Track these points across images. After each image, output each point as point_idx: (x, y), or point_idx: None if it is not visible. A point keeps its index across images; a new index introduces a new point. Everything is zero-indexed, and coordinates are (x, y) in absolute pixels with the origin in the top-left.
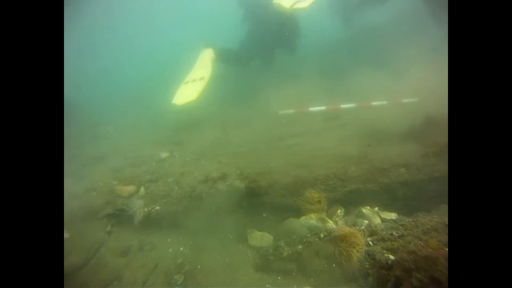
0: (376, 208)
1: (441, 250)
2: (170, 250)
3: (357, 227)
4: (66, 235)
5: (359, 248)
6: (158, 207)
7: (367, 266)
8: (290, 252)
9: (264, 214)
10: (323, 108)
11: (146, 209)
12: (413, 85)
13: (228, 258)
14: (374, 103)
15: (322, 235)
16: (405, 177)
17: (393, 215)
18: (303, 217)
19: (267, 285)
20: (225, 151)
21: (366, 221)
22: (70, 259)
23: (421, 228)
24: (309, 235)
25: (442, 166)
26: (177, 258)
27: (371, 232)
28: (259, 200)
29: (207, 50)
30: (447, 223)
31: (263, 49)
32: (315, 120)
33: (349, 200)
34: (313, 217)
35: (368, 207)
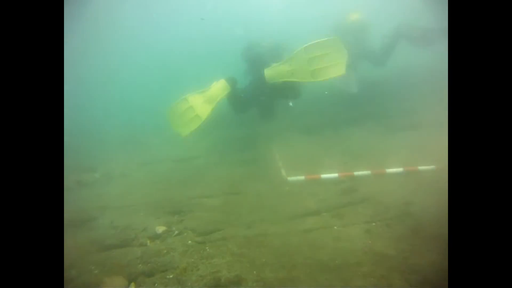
0: None
1: None
2: None
3: None
4: None
5: None
6: None
7: None
8: None
9: None
10: (335, 175)
11: None
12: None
13: None
14: (389, 170)
15: None
16: None
17: None
18: None
19: None
20: (234, 233)
21: None
22: None
23: None
24: None
25: None
26: None
27: None
28: None
29: (221, 82)
30: None
31: (262, 100)
32: (330, 191)
33: None
34: None
35: None
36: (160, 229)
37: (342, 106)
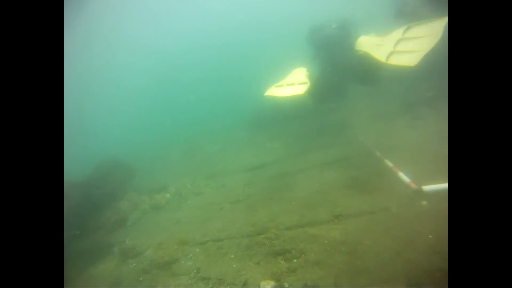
0: None
1: None
2: None
3: None
4: None
5: None
6: None
7: None
8: None
9: None
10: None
11: None
12: None
13: None
14: None
15: None
16: None
17: None
18: None
19: None
20: None
21: None
22: None
23: None
24: None
25: None
26: None
27: None
28: None
29: (301, 69)
30: None
31: (336, 86)
32: None
33: None
34: None
35: None
36: (268, 285)
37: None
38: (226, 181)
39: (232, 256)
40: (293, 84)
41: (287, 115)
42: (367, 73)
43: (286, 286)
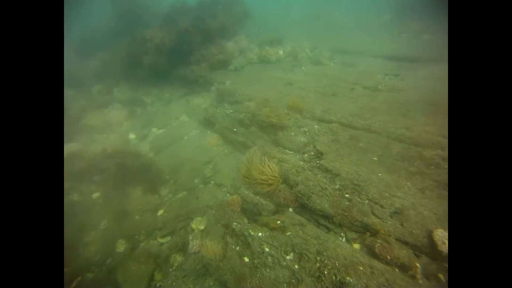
0: None
1: None
2: None
3: None
4: None
5: None
6: None
7: None
8: None
9: None
10: None
11: None
12: None
13: None
14: None
15: None
16: None
17: None
18: None
19: None
20: None
21: None
22: None
23: None
24: None
25: None
26: None
27: None
28: None
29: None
30: None
31: None
32: None
33: None
34: None
35: None
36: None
37: None
38: (358, 62)
39: (375, 158)
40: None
41: None
42: None
43: None
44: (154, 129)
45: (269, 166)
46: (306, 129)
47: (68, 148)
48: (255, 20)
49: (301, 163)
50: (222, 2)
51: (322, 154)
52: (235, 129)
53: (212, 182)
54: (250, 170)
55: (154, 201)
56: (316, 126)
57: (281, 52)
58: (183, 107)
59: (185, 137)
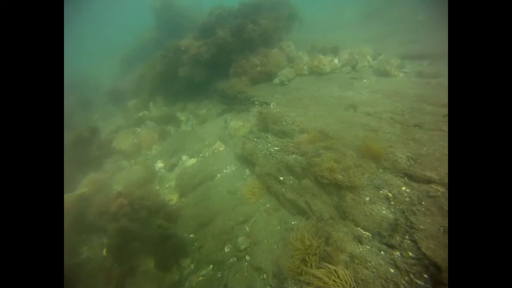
0: None
1: None
2: None
3: None
4: None
5: None
6: None
7: None
8: None
9: None
10: None
11: None
12: None
13: None
14: None
15: None
16: None
17: None
18: None
19: None
20: None
21: None
22: None
23: None
24: None
25: None
26: None
27: None
28: None
29: None
30: None
31: None
32: None
33: None
34: None
35: None
36: None
37: None
38: (443, 71)
39: None
40: None
41: None
42: None
43: None
44: (184, 157)
45: (334, 271)
46: (390, 193)
47: (87, 180)
48: (305, 23)
49: (392, 270)
50: (267, 5)
51: (431, 261)
52: (281, 178)
53: (247, 258)
54: (301, 262)
55: (170, 277)
56: (404, 189)
57: (336, 61)
58: (219, 128)
59: (218, 175)
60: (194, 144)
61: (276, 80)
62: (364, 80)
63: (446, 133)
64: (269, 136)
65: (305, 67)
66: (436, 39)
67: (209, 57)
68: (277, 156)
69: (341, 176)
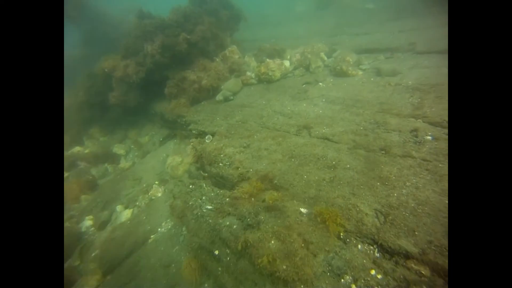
0: None
1: None
2: None
3: None
4: None
5: None
6: None
7: None
8: None
9: None
10: None
11: None
12: None
13: None
14: None
15: None
16: None
17: None
18: None
19: None
20: None
21: None
22: None
23: None
24: None
25: None
26: None
27: None
28: None
29: None
30: None
31: None
32: None
33: None
34: None
35: None
36: None
37: None
38: (403, 67)
39: None
40: None
41: None
42: None
43: None
44: (119, 207)
45: None
46: (354, 285)
47: None
48: (256, 20)
49: None
50: (206, 8)
51: None
52: (216, 252)
53: None
54: None
55: None
56: (374, 273)
57: (287, 64)
58: (160, 163)
59: (152, 237)
60: (131, 187)
61: (219, 96)
62: (320, 83)
63: (417, 161)
64: (204, 185)
65: (253, 75)
66: (387, 30)
67: (140, 77)
68: (210, 221)
69: (284, 267)
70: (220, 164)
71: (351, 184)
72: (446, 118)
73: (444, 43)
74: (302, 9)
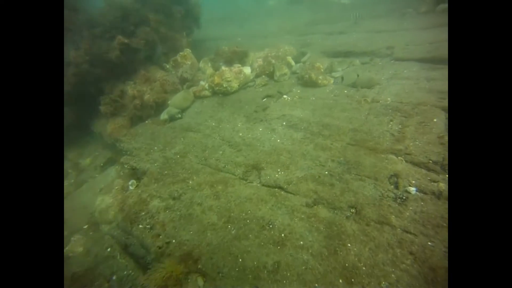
0: None
1: None
2: None
3: None
4: None
5: None
6: None
7: None
8: None
9: None
10: None
11: None
12: None
13: None
14: None
15: None
16: None
17: None
18: None
19: None
20: None
21: None
22: None
23: None
24: None
25: None
26: None
27: None
28: None
29: None
30: None
31: None
32: None
33: None
34: None
35: None
36: None
37: None
38: (381, 79)
39: None
40: None
41: None
42: None
43: None
44: None
45: None
46: None
47: None
48: (224, 15)
49: None
50: (153, 3)
51: None
52: None
53: None
54: None
55: None
56: None
57: (247, 71)
58: (96, 196)
59: None
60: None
61: (164, 115)
62: (285, 96)
63: (397, 234)
64: (118, 256)
65: (206, 86)
66: (364, 29)
67: (73, 91)
68: None
69: None
70: (140, 226)
71: (302, 280)
72: (432, 157)
73: (422, 50)
74: (274, 3)
